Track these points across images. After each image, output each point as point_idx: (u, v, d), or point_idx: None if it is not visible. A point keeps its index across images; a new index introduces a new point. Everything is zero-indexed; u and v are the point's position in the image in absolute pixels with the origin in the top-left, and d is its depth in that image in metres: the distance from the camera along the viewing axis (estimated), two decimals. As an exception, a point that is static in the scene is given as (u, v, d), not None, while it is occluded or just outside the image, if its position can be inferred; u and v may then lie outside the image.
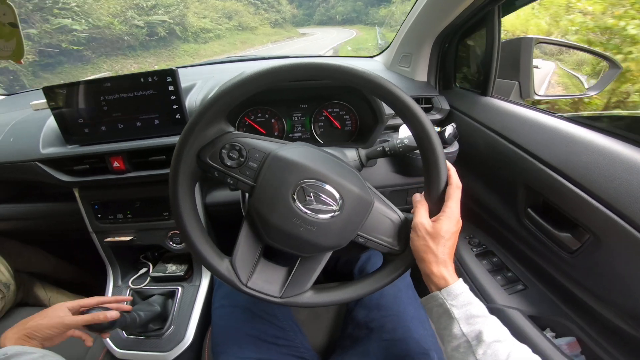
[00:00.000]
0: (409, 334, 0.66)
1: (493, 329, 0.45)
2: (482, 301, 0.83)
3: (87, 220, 0.92)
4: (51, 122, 0.83)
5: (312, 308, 0.81)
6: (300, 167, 0.50)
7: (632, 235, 0.52)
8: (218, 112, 0.50)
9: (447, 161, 0.52)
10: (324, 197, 0.50)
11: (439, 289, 0.50)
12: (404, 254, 0.56)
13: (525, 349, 0.44)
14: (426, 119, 0.50)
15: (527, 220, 0.75)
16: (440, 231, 0.50)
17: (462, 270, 0.93)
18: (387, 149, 0.65)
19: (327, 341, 0.78)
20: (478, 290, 0.86)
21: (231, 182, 0.52)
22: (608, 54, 0.93)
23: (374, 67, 1.16)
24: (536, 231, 0.72)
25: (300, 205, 0.49)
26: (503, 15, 0.78)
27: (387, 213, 0.55)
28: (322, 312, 0.83)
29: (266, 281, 0.54)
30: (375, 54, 1.26)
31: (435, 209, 0.52)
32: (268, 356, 0.66)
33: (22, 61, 0.55)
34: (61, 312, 0.63)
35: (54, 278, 1.30)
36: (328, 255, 0.56)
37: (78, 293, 1.29)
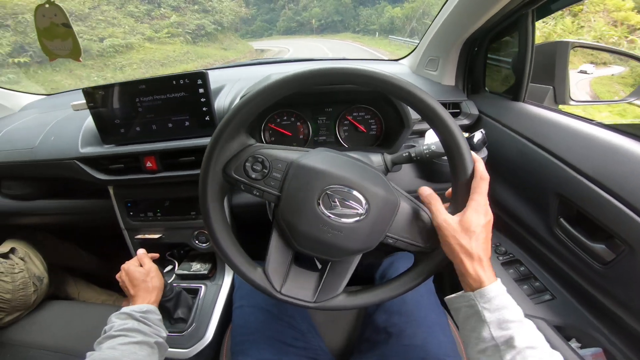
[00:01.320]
0: (429, 340, 0.66)
1: (526, 335, 0.43)
2: None
3: (119, 217, 0.98)
4: (89, 122, 0.89)
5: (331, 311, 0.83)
6: (323, 174, 0.51)
7: None
8: (240, 123, 0.52)
9: (473, 153, 0.52)
10: (349, 201, 0.51)
11: (473, 289, 0.48)
12: (434, 253, 0.56)
13: (557, 356, 0.42)
14: (450, 117, 0.50)
15: (559, 230, 0.73)
16: (470, 225, 0.48)
17: None
18: (413, 154, 0.65)
19: (344, 344, 0.79)
20: None
21: (257, 193, 0.54)
22: None
23: (400, 70, 1.16)
24: (568, 241, 0.71)
25: (325, 211, 0.51)
26: (537, 19, 0.77)
27: (414, 212, 0.56)
28: (340, 315, 0.84)
29: (299, 287, 0.56)
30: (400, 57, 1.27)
31: (461, 202, 0.51)
32: (286, 358, 0.68)
33: (80, 59, 0.59)
34: (151, 272, 0.77)
35: (84, 272, 1.38)
36: (358, 258, 0.57)
37: (105, 287, 1.37)
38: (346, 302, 0.57)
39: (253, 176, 0.54)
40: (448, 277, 1.02)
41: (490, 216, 0.50)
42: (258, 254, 0.59)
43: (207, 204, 0.54)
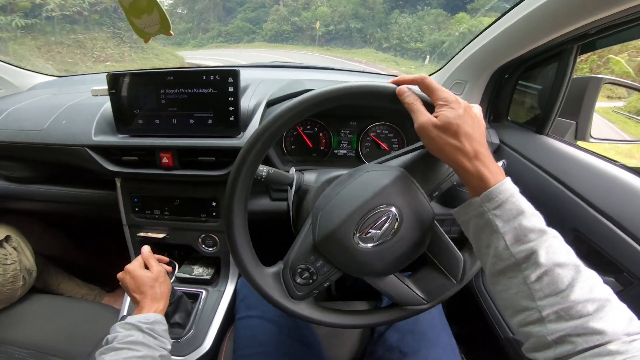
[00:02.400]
0: None
1: (552, 248, 0.38)
2: (505, 330, 0.85)
3: (123, 212, 0.95)
4: (105, 109, 0.87)
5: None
6: (340, 232, 0.51)
7: None
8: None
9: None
10: (376, 221, 0.51)
11: (479, 192, 0.42)
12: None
13: (592, 276, 0.38)
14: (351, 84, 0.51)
15: None
16: (450, 121, 0.44)
17: (489, 301, 0.94)
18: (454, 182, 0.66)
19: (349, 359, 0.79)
20: (502, 318, 0.88)
21: (328, 282, 0.56)
22: None
23: (418, 91, 1.18)
24: None
25: (375, 244, 0.52)
26: (580, 54, 0.78)
27: (415, 158, 0.56)
28: (342, 331, 0.83)
29: (432, 285, 0.59)
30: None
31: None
32: None
33: (171, 32, 0.54)
34: (160, 277, 0.75)
35: (69, 263, 1.34)
36: (437, 227, 0.58)
37: (90, 282, 1.33)
38: (474, 260, 0.60)
39: (311, 282, 0.56)
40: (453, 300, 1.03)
41: (464, 104, 0.47)
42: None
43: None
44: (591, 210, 0.71)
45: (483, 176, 0.42)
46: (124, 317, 0.66)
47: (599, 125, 0.94)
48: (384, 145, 0.94)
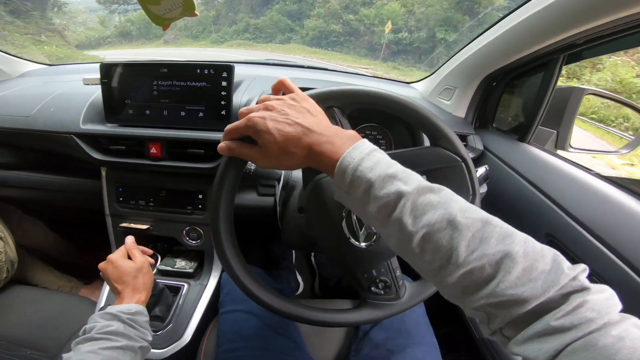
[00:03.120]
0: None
1: (418, 210, 0.35)
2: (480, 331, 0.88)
3: (106, 201, 0.95)
4: (95, 98, 0.88)
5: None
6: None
7: None
8: None
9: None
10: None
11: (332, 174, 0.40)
12: None
13: (479, 226, 0.34)
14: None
15: None
16: (267, 144, 0.42)
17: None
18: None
19: (334, 358, 0.80)
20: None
21: None
22: None
23: (412, 94, 1.22)
24: None
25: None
26: (566, 64, 0.81)
27: None
28: (325, 328, 0.84)
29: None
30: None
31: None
32: None
33: (196, 12, 0.50)
34: (143, 268, 0.74)
35: (46, 254, 1.32)
36: None
37: (67, 273, 1.31)
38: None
39: None
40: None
41: (261, 107, 0.45)
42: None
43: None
44: (565, 217, 0.74)
45: (324, 157, 0.41)
46: (103, 308, 0.65)
47: (577, 134, 0.99)
48: None
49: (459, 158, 0.59)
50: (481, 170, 0.72)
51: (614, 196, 0.70)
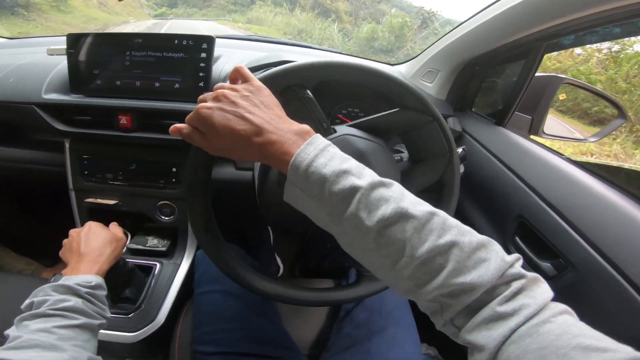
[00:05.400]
0: (406, 340, 0.73)
1: (373, 205, 0.35)
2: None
3: (70, 175, 0.91)
4: (60, 69, 0.84)
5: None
6: None
7: (605, 270, 0.61)
8: None
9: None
10: None
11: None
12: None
13: (427, 217, 0.35)
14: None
15: (512, 246, 0.84)
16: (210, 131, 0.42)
17: None
18: (404, 159, 0.71)
19: (315, 338, 0.82)
20: None
21: None
22: (620, 103, 1.03)
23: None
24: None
25: None
26: (547, 52, 0.84)
27: None
28: (304, 308, 0.85)
29: None
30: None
31: None
32: (255, 349, 0.68)
33: None
34: (119, 241, 0.72)
35: (3, 234, 1.25)
36: None
37: (27, 255, 1.25)
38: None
39: None
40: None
41: (211, 96, 0.44)
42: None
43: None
44: (536, 198, 0.78)
45: (276, 153, 0.40)
46: (57, 277, 0.58)
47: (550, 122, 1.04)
48: None
49: (430, 117, 0.59)
50: (459, 151, 0.74)
51: (583, 180, 0.74)
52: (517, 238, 0.83)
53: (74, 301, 0.53)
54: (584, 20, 0.68)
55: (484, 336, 0.30)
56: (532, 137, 1.01)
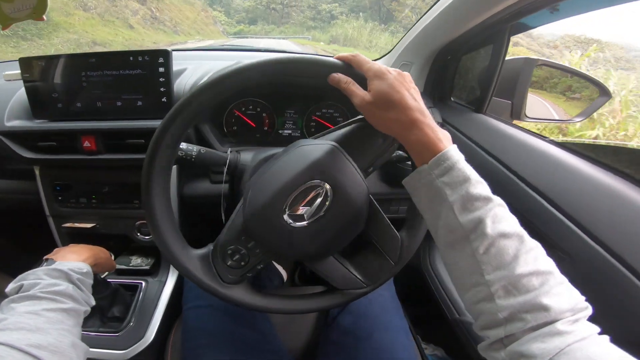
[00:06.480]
0: (395, 344, 0.70)
1: (497, 217, 0.39)
2: (452, 311, 0.90)
3: (45, 202, 0.89)
4: (21, 94, 0.82)
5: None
6: (267, 209, 0.50)
7: (603, 257, 0.57)
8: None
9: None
10: (305, 197, 0.50)
11: (425, 161, 0.43)
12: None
13: (536, 247, 0.39)
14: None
15: None
16: (381, 94, 0.45)
17: (437, 283, 0.99)
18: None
19: (304, 346, 0.80)
20: (449, 299, 0.93)
21: (262, 265, 0.55)
22: (600, 81, 0.99)
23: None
24: None
25: (306, 222, 0.51)
26: (512, 35, 0.82)
27: (349, 133, 0.55)
28: (298, 316, 0.84)
29: (372, 266, 0.59)
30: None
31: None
32: None
33: (44, 17, 0.49)
34: (104, 252, 0.74)
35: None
36: (374, 204, 0.56)
37: (12, 275, 1.23)
38: (411, 240, 0.59)
39: (243, 264, 0.54)
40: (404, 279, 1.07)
41: (394, 73, 0.46)
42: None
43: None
44: (523, 185, 0.75)
45: (425, 144, 0.43)
46: (49, 262, 0.59)
47: (534, 104, 1.00)
48: (329, 125, 0.94)
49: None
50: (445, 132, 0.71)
51: (569, 162, 0.71)
52: None
53: (64, 286, 0.54)
54: None
55: (538, 347, 0.33)
56: (515, 122, 0.98)
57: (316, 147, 0.52)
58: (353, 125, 0.55)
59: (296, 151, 0.52)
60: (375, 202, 0.56)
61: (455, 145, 0.43)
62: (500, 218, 0.39)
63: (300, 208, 0.50)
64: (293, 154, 0.52)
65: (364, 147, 0.54)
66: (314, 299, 0.59)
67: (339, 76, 0.48)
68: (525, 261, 0.37)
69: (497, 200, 0.41)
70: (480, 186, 0.41)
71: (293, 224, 0.50)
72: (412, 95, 0.45)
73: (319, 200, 0.50)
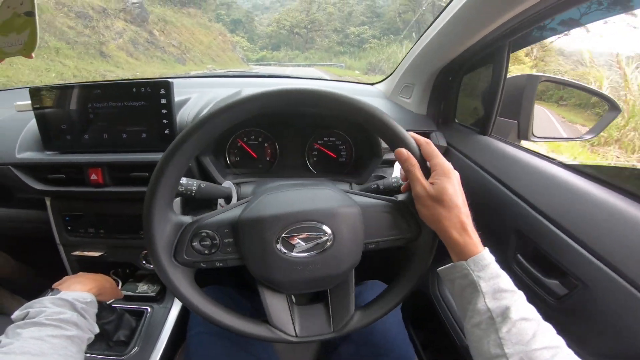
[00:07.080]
0: None
1: (520, 306, 0.46)
2: (462, 339, 0.86)
3: (55, 231, 0.92)
4: (32, 125, 0.84)
5: None
6: (271, 221, 0.51)
7: (622, 287, 0.54)
8: (202, 138, 0.50)
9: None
10: (310, 233, 0.51)
11: (464, 258, 0.49)
12: (422, 237, 0.57)
13: (549, 328, 0.45)
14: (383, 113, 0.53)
15: (516, 265, 0.77)
16: (444, 194, 0.49)
17: (446, 309, 0.95)
18: (381, 187, 0.66)
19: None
20: (458, 326, 0.90)
21: (220, 264, 0.54)
22: (609, 95, 0.96)
23: (374, 94, 1.19)
24: (524, 277, 0.74)
25: (292, 253, 0.51)
26: (512, 52, 0.80)
27: (378, 207, 0.56)
28: (300, 345, 0.81)
29: (312, 323, 0.57)
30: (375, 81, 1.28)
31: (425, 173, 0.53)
32: None
33: (32, 55, 0.51)
34: (110, 282, 0.75)
35: (11, 282, 1.28)
36: (352, 274, 0.58)
37: (27, 298, 1.26)
38: (363, 319, 0.58)
39: (207, 252, 0.53)
40: (413, 305, 1.03)
41: (456, 173, 0.53)
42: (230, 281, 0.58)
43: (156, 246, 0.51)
44: (531, 211, 0.72)
45: (468, 245, 0.49)
46: (55, 292, 0.61)
47: (542, 123, 0.97)
48: (331, 154, 0.93)
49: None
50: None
51: (579, 186, 0.68)
52: (519, 256, 0.76)
53: (69, 314, 0.55)
54: (542, 8, 0.63)
55: None
56: (522, 142, 0.94)
57: (342, 200, 0.54)
58: (385, 203, 0.57)
59: (323, 191, 0.55)
60: (354, 274, 0.58)
61: (487, 249, 0.50)
62: (522, 306, 0.46)
63: (297, 239, 0.51)
64: (318, 191, 0.55)
65: (381, 226, 0.56)
66: (239, 319, 0.56)
67: (409, 155, 0.52)
68: (541, 339, 0.43)
69: (519, 292, 0.48)
70: (507, 281, 0.48)
71: (279, 248, 0.51)
72: (463, 198, 0.51)
73: (315, 242, 0.51)
